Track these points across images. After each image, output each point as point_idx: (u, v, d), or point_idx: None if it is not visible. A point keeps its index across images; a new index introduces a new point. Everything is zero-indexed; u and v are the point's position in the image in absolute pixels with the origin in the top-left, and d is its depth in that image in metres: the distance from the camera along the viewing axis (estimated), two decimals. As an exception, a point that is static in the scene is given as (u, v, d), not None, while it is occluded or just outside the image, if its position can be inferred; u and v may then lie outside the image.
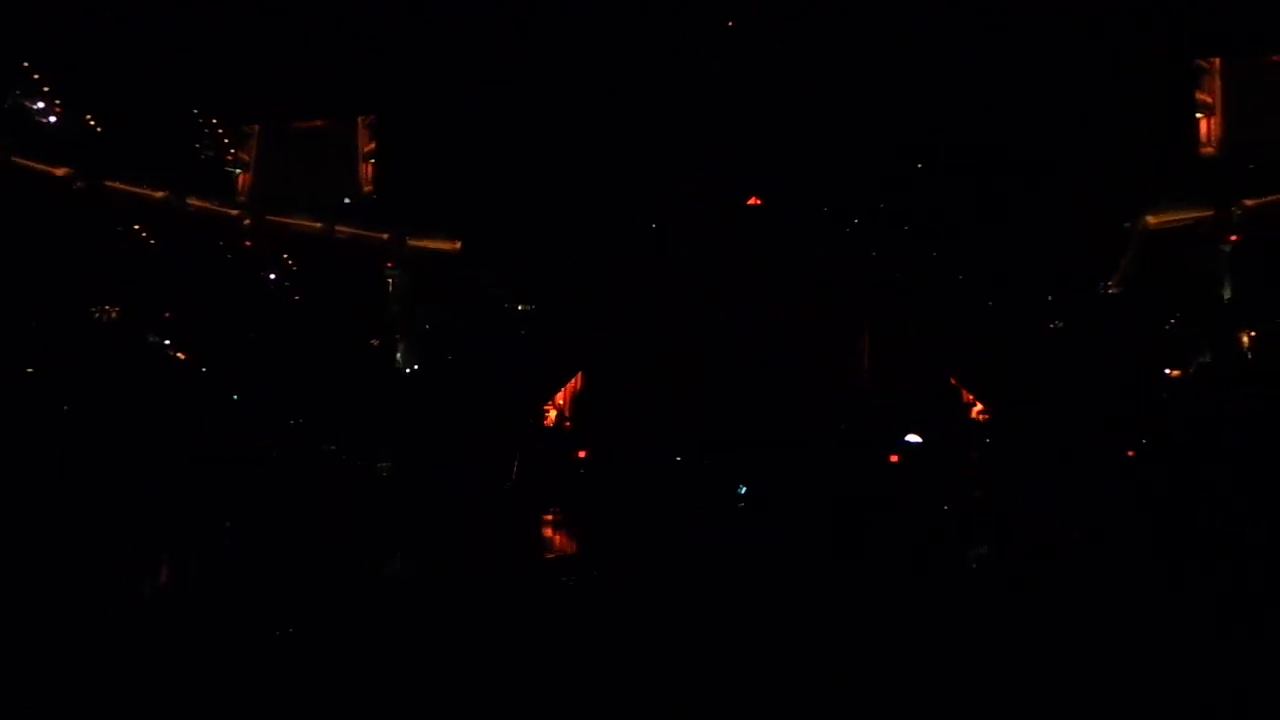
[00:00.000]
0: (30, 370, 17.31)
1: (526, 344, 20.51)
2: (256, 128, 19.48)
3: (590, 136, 19.19)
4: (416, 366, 20.63)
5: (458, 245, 20.42)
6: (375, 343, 20.98)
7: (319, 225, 20.14)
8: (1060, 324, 19.61)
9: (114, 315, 18.36)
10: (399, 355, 20.79)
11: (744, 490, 17.98)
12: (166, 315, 18.80)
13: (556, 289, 20.40)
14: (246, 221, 20.02)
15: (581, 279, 20.02)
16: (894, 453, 18.60)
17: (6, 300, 17.70)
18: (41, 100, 18.09)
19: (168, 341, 18.72)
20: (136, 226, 19.20)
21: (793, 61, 18.68)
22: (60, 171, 18.24)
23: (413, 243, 20.59)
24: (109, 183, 18.72)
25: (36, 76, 17.99)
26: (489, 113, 19.25)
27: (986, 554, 13.96)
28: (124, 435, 16.77)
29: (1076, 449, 17.47)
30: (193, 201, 19.62)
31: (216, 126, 19.76)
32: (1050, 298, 19.69)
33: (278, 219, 20.19)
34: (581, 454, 19.37)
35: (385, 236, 20.54)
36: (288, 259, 20.55)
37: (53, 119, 18.23)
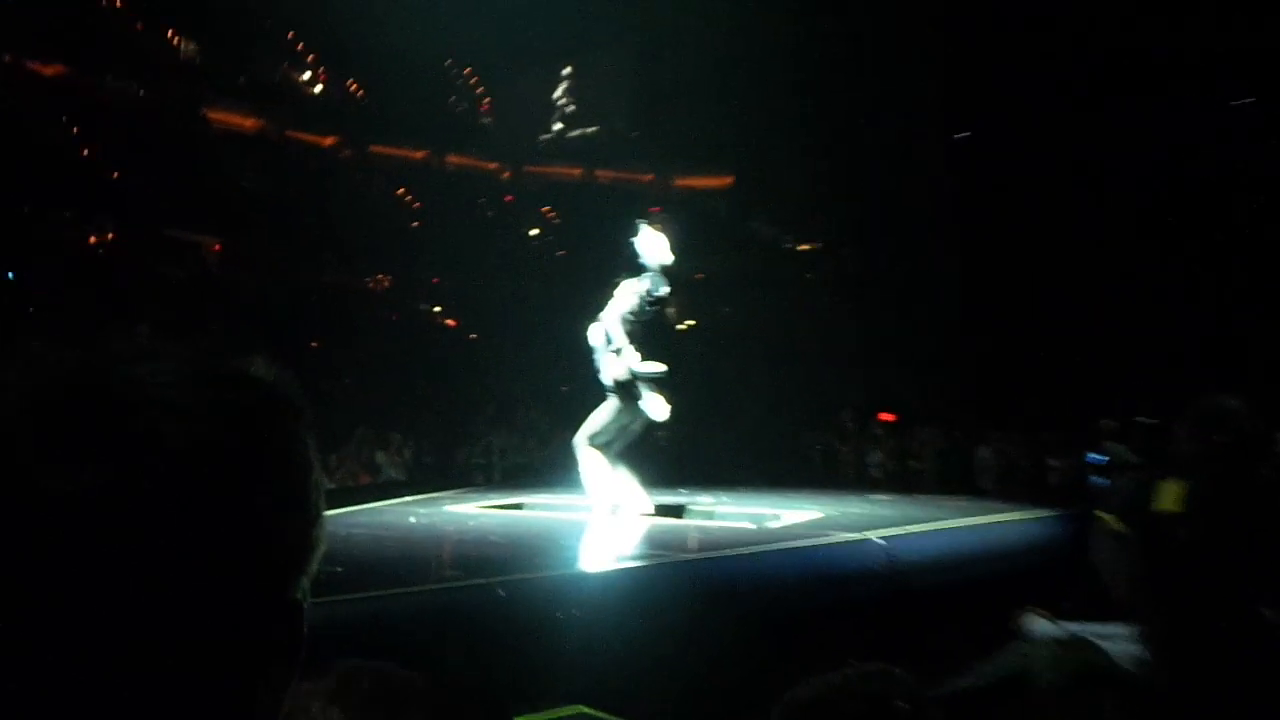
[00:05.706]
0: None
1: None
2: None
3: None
4: None
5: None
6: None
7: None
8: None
9: (386, 285, 18.27)
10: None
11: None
12: (435, 281, 18.57)
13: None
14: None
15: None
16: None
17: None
18: (308, 71, 17.85)
19: (438, 308, 18.57)
20: (400, 190, 19.00)
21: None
22: (328, 141, 18.15)
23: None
24: (374, 147, 18.55)
25: (300, 47, 17.72)
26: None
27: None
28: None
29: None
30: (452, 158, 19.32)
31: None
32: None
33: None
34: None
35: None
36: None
37: (318, 89, 18.00)
